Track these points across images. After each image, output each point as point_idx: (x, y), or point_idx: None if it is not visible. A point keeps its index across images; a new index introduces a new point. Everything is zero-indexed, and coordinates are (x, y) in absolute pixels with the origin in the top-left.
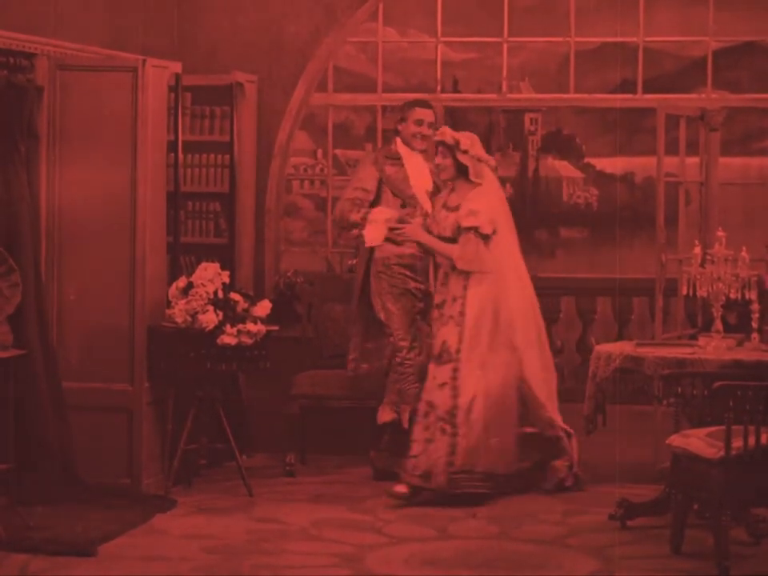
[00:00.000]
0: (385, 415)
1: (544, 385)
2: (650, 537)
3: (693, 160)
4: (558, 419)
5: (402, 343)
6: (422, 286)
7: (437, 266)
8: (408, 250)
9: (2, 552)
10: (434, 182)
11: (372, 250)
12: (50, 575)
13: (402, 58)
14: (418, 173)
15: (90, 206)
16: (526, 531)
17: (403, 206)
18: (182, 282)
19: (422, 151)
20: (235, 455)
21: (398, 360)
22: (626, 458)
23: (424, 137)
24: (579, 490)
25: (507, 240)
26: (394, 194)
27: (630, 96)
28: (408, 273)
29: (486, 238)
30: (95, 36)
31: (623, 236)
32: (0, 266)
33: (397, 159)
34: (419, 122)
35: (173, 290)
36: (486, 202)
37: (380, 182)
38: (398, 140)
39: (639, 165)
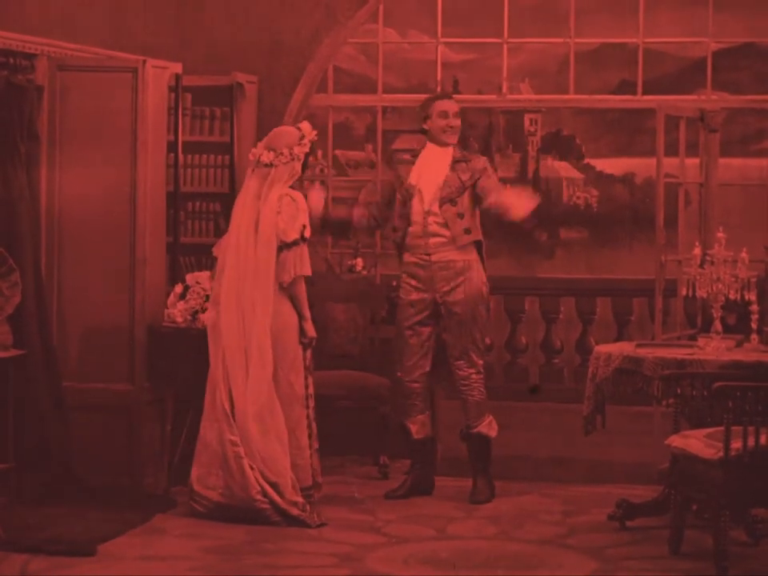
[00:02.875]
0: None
1: None
2: (650, 537)
3: (692, 161)
4: None
5: (397, 357)
6: (426, 296)
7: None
8: (413, 258)
9: (2, 552)
10: (454, 177)
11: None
12: (49, 575)
13: (402, 58)
14: (434, 164)
15: (90, 206)
16: (526, 531)
17: (403, 200)
18: (178, 288)
19: (452, 145)
20: None
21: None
22: (626, 458)
23: (452, 128)
24: None
25: None
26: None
27: (629, 97)
28: (412, 282)
29: None
30: (95, 36)
31: (623, 237)
32: (0, 266)
33: (412, 158)
34: (444, 114)
35: (171, 298)
36: None
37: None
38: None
39: (639, 166)
